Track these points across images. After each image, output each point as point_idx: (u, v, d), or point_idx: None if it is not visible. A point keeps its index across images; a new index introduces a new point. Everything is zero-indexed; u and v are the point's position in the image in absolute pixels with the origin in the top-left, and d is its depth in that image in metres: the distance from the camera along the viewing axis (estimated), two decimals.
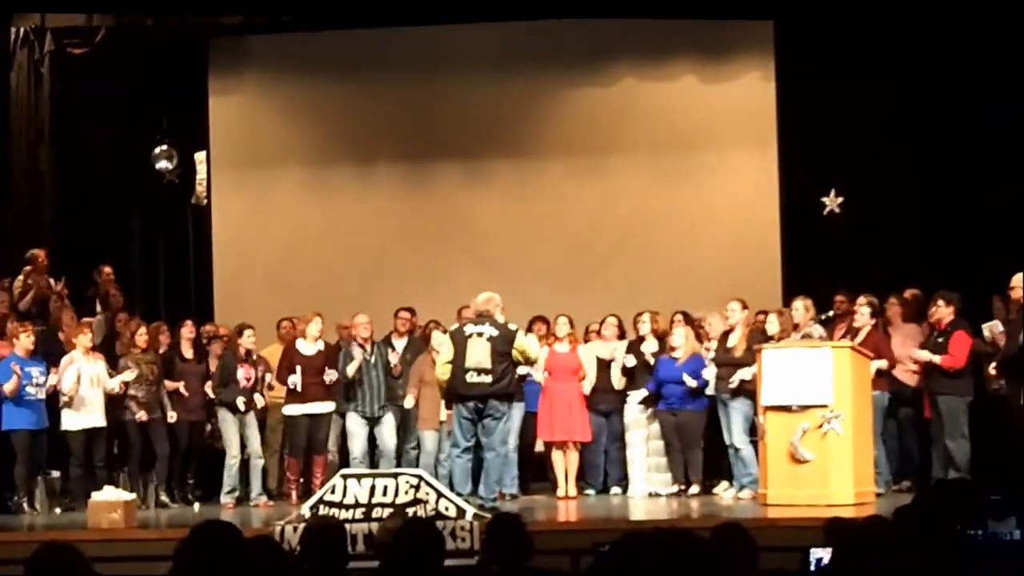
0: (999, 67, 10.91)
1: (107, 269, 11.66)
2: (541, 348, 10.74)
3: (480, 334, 9.20)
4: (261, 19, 12.51)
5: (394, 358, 10.61)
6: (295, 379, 10.45)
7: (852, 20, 11.66)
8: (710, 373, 10.15)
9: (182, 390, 10.62)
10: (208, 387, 10.71)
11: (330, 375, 10.47)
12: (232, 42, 13.27)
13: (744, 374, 9.72)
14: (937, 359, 9.68)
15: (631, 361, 10.51)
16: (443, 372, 9.41)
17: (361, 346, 10.60)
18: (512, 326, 9.48)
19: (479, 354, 9.15)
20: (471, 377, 9.15)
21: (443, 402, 10.08)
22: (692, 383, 10.14)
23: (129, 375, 10.27)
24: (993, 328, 9.81)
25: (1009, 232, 10.50)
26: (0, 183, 12.03)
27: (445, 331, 9.93)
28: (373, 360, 10.60)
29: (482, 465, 9.31)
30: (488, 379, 9.13)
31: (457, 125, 13.01)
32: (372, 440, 10.64)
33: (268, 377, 10.70)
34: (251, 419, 10.57)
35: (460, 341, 9.23)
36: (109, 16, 12.30)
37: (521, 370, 10.28)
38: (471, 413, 9.25)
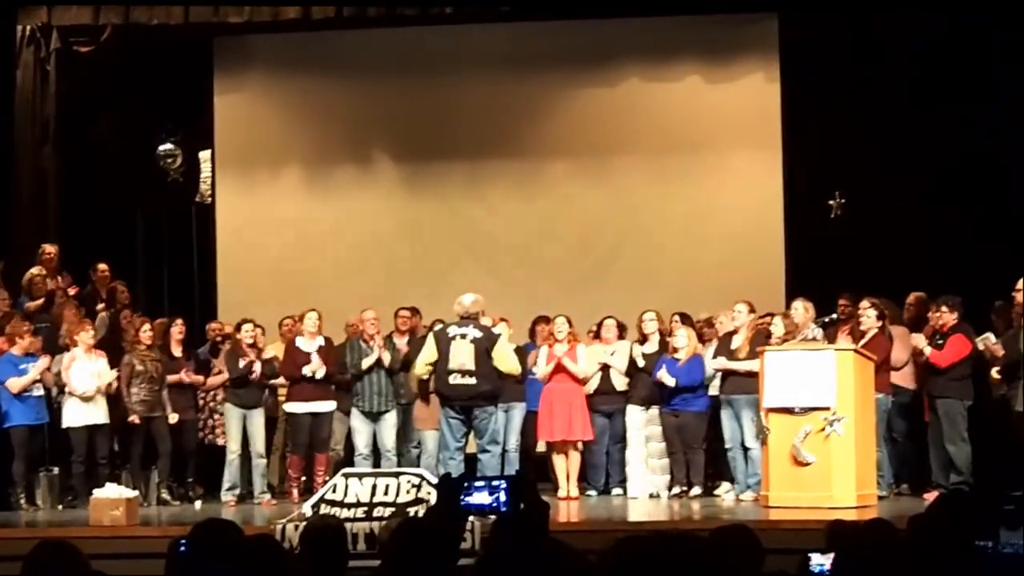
0: (1003, 67, 10.89)
1: (102, 266, 11.64)
2: (540, 348, 10.74)
3: (464, 336, 9.25)
4: (266, 19, 12.50)
5: (386, 357, 10.57)
6: (311, 368, 10.42)
7: (857, 21, 11.66)
8: (714, 366, 10.12)
9: (184, 377, 10.59)
10: (184, 374, 10.70)
11: (313, 367, 10.41)
12: (236, 41, 13.29)
13: (750, 365, 9.67)
14: (928, 350, 9.69)
15: (646, 350, 10.46)
16: (422, 372, 9.51)
17: (366, 342, 10.61)
18: (496, 330, 9.50)
19: (463, 356, 9.20)
20: (455, 379, 9.20)
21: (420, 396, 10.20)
22: (669, 381, 10.11)
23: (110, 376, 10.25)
24: (987, 341, 9.80)
25: (1014, 235, 10.49)
26: (5, 181, 12.04)
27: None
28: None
29: (475, 466, 9.34)
30: (472, 380, 9.18)
31: (461, 125, 13.01)
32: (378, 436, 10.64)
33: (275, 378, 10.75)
34: (257, 416, 10.56)
35: (444, 343, 9.25)
36: (115, 15, 12.30)
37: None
38: (458, 414, 9.28)
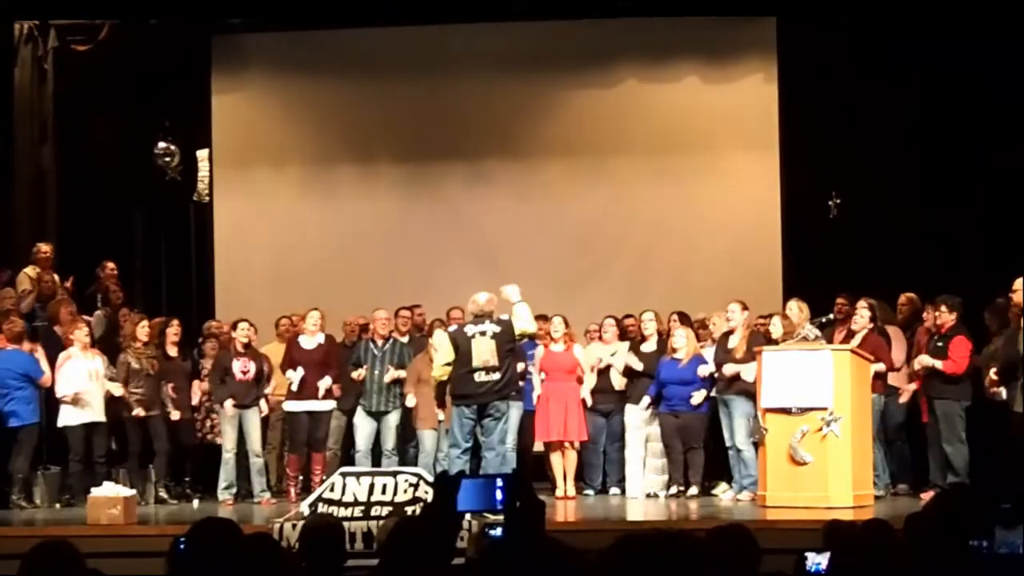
0: (1001, 66, 10.90)
1: (110, 265, 11.66)
2: (538, 348, 10.74)
3: (483, 333, 9.22)
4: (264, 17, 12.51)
5: (389, 376, 10.57)
6: (294, 376, 10.43)
7: (854, 21, 11.67)
8: (707, 371, 10.14)
9: (170, 392, 10.59)
10: (196, 385, 10.74)
11: (293, 377, 10.44)
12: (235, 40, 13.27)
13: (746, 375, 9.69)
14: (939, 365, 9.65)
15: (637, 364, 10.49)
16: (441, 373, 9.46)
17: (374, 341, 10.60)
18: (504, 317, 9.50)
19: (486, 353, 9.18)
20: (480, 376, 9.17)
21: (438, 401, 10.16)
22: (699, 399, 10.14)
23: (116, 389, 10.25)
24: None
25: (1010, 235, 10.50)
26: (3, 180, 12.02)
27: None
28: (380, 356, 10.60)
29: (479, 466, 9.33)
30: (496, 376, 9.18)
31: (459, 125, 13.01)
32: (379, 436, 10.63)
33: (271, 382, 10.73)
34: (252, 415, 10.53)
35: (463, 342, 9.23)
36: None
37: (519, 366, 10.31)
38: (474, 413, 9.26)
